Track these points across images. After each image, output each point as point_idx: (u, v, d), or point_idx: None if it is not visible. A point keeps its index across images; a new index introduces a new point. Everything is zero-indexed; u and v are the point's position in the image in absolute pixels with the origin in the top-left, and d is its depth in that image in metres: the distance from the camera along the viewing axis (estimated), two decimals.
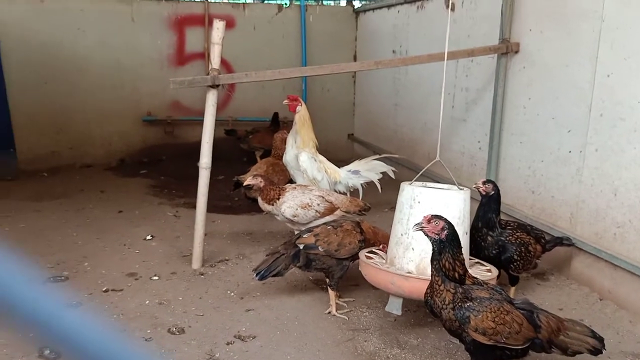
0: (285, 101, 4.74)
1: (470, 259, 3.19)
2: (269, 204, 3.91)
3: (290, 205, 3.86)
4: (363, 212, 4.10)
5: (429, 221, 2.37)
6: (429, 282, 2.49)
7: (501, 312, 2.24)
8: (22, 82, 6.84)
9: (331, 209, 3.96)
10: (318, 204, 3.91)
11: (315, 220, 3.90)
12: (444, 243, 2.35)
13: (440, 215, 2.43)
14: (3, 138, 6.82)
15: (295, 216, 3.87)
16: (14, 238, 4.41)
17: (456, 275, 2.35)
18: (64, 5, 7.05)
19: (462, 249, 2.97)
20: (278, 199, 3.89)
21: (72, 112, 7.19)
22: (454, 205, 2.98)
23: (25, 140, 6.97)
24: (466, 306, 2.26)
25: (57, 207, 5.39)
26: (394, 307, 3.07)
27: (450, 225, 2.39)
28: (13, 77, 6.77)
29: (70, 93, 7.11)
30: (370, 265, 3.10)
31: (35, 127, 7.02)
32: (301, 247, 3.27)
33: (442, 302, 2.34)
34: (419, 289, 2.85)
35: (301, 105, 4.68)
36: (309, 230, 3.42)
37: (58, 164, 7.10)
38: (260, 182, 3.92)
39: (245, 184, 4.08)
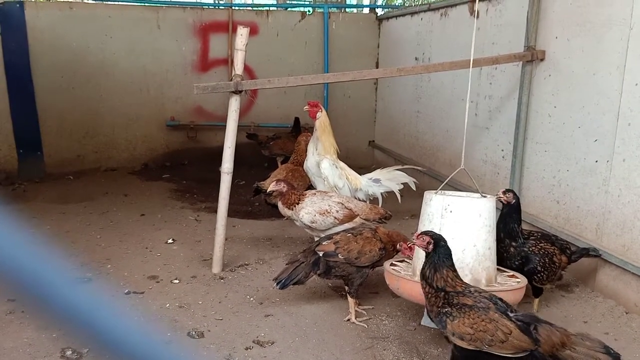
0: (306, 107, 4.75)
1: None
2: (289, 208, 3.93)
3: (309, 211, 3.86)
4: (383, 220, 4.07)
5: (417, 237, 2.55)
6: None
7: (482, 319, 2.27)
8: (50, 87, 6.99)
9: (350, 216, 3.93)
10: (337, 211, 3.90)
11: (334, 226, 3.88)
12: (429, 254, 2.50)
13: (428, 231, 2.60)
14: (31, 141, 6.99)
15: (313, 222, 3.87)
16: (40, 240, 4.49)
17: (434, 285, 2.43)
18: (92, 12, 7.20)
19: (491, 258, 2.95)
20: (297, 203, 3.90)
21: (98, 117, 7.32)
22: (486, 213, 2.94)
23: (52, 143, 7.13)
24: (444, 311, 2.36)
25: (81, 210, 5.48)
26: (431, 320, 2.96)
27: (437, 239, 2.50)
28: (42, 81, 6.94)
29: (96, 98, 7.24)
30: (406, 279, 3.00)
31: (62, 131, 7.17)
32: (321, 254, 3.27)
33: (430, 304, 2.44)
34: None
35: (321, 111, 4.68)
36: (329, 237, 3.42)
37: (83, 167, 7.23)
38: (283, 187, 3.94)
39: (268, 190, 4.09)
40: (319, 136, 4.65)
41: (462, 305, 2.34)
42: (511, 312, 2.33)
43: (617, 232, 3.57)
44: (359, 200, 4.59)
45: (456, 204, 2.95)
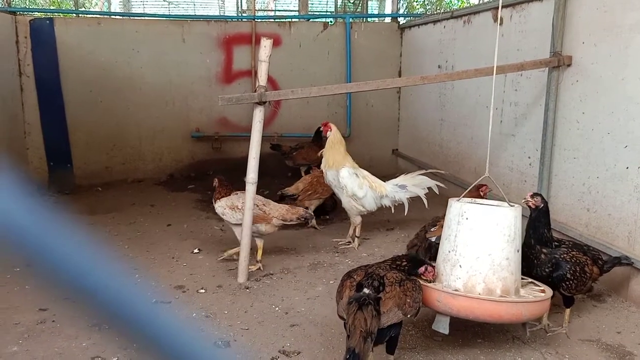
0: (322, 128, 5.03)
1: (522, 279, 3.07)
2: (214, 202, 4.35)
3: (221, 204, 4.28)
4: (302, 220, 4.30)
5: None
6: (478, 300, 2.45)
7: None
8: (79, 101, 7.17)
9: (263, 218, 4.21)
10: None
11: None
12: None
13: None
14: (61, 154, 7.17)
15: (223, 215, 4.29)
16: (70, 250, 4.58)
17: None
18: (120, 27, 7.38)
19: (509, 269, 2.89)
20: (219, 199, 4.29)
21: (125, 129, 7.47)
22: (504, 222, 2.88)
23: (81, 156, 7.29)
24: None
25: (109, 221, 5.58)
26: (441, 325, 2.91)
27: None
28: (71, 95, 7.12)
29: (124, 111, 7.40)
30: (430, 287, 2.94)
31: (91, 143, 7.33)
32: (433, 239, 3.62)
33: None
34: (467, 307, 2.76)
35: (331, 130, 4.88)
36: (433, 224, 3.78)
37: (111, 178, 7.37)
38: (215, 183, 4.38)
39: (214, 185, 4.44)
40: (324, 151, 4.85)
41: None
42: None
43: None
44: (385, 207, 4.66)
45: (471, 211, 2.92)
